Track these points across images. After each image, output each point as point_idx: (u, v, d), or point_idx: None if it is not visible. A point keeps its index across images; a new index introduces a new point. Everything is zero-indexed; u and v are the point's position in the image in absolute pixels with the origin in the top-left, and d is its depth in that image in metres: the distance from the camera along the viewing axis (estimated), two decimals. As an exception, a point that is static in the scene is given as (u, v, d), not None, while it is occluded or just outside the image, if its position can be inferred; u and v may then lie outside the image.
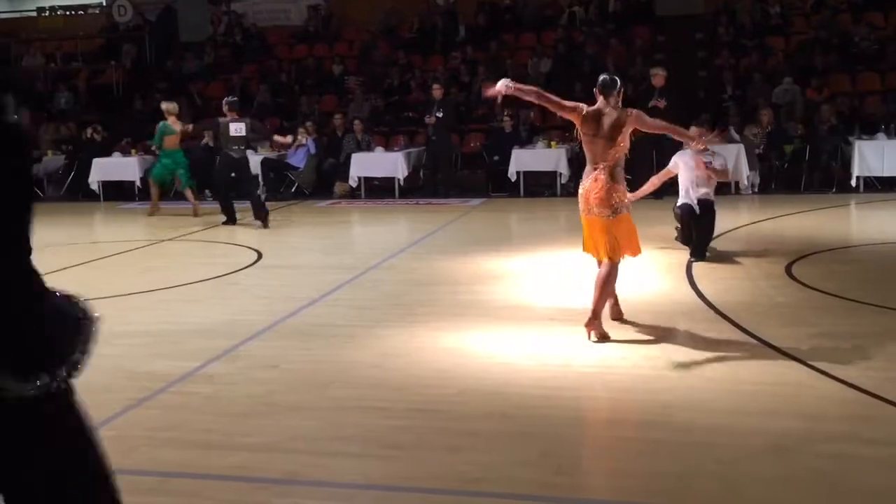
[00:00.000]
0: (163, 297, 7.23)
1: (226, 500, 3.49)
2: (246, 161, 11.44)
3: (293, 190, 14.45)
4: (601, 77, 5.55)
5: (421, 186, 14.31)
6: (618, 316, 5.87)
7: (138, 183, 14.44)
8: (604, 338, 5.41)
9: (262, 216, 11.01)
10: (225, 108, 11.28)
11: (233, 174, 11.23)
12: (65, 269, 8.06)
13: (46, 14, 23.23)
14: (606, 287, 5.49)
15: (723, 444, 3.85)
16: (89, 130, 15.38)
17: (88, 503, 2.03)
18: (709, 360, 5.00)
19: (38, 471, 1.94)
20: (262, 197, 11.91)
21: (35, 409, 1.90)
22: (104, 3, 22.34)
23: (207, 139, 14.31)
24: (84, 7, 24.20)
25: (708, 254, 7.87)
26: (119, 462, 3.72)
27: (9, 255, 1.88)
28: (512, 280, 7.43)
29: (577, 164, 12.03)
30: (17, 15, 24.54)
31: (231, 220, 11.35)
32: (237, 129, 11.06)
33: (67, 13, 23.73)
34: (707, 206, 7.79)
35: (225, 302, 6.95)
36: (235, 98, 11.70)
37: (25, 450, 1.93)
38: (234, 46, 18.98)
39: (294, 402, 4.53)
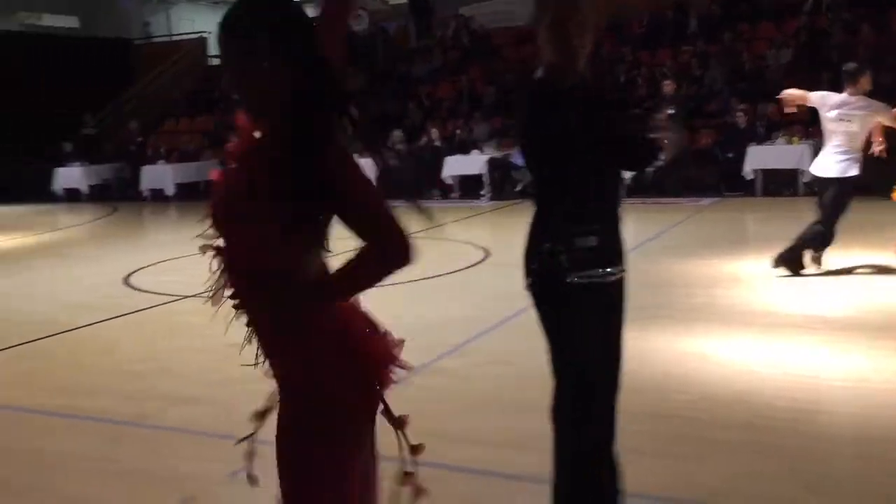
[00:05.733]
0: (394, 292, 7.47)
1: (462, 492, 3.54)
2: None
3: (517, 189, 14.57)
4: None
5: (648, 185, 13.92)
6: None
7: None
8: None
9: None
10: None
11: None
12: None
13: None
14: None
15: None
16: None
17: None
18: None
19: None
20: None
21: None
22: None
23: (434, 139, 14.76)
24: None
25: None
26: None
27: None
28: (750, 284, 7.01)
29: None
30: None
31: None
32: None
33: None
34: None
35: (457, 298, 7.10)
36: None
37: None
38: (461, 49, 19.46)
39: (526, 399, 4.51)
